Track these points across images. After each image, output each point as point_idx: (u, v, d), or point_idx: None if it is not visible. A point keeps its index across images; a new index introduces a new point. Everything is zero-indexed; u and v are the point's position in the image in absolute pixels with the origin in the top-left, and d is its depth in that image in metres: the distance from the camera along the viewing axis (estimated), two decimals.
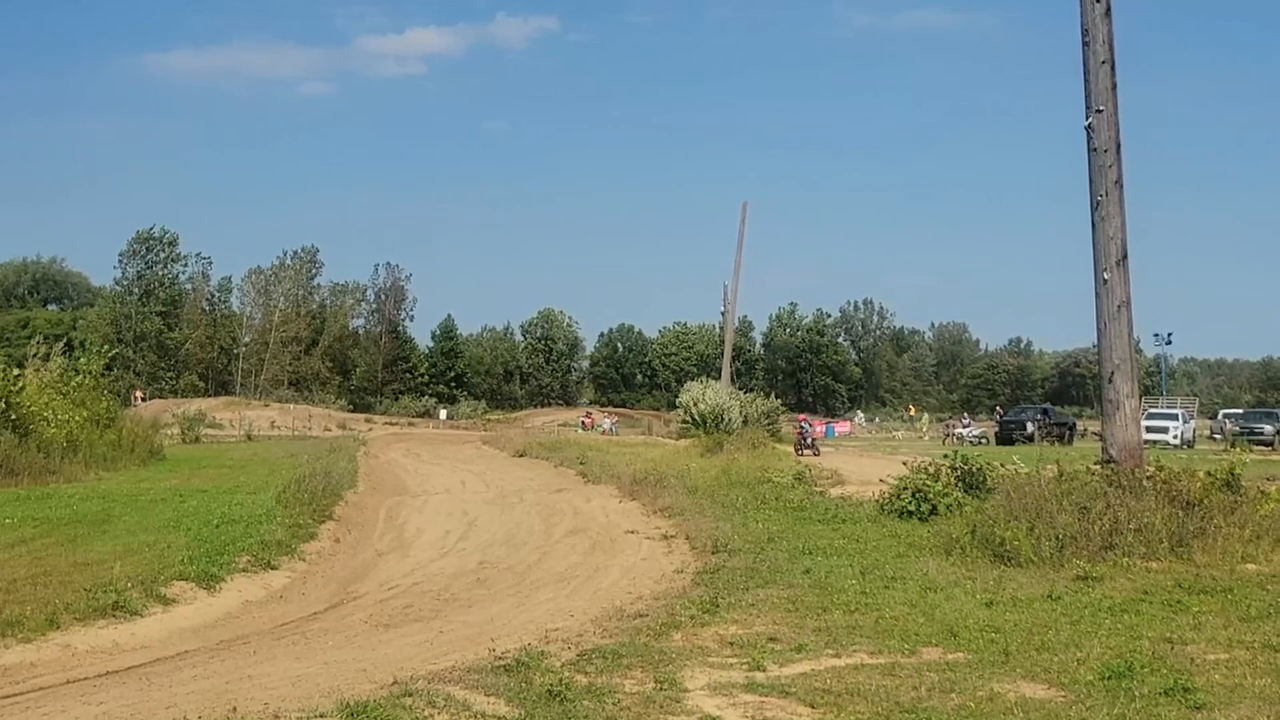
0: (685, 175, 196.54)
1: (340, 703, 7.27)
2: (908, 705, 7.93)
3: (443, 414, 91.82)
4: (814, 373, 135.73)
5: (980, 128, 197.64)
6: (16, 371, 32.08)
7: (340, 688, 8.21)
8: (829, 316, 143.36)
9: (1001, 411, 74.56)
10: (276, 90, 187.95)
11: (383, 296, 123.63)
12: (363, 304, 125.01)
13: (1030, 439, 49.97)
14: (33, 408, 29.62)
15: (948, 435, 62.31)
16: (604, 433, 68.13)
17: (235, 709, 7.32)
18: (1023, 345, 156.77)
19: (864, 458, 37.51)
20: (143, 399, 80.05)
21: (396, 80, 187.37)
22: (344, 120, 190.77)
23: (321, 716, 6.93)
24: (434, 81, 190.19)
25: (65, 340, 45.99)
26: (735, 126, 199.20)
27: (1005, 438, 55.71)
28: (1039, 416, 59.74)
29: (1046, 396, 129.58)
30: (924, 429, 78.57)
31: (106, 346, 47.05)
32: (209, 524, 17.88)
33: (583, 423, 78.76)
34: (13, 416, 27.94)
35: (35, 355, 36.92)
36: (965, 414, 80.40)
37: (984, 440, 58.34)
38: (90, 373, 36.79)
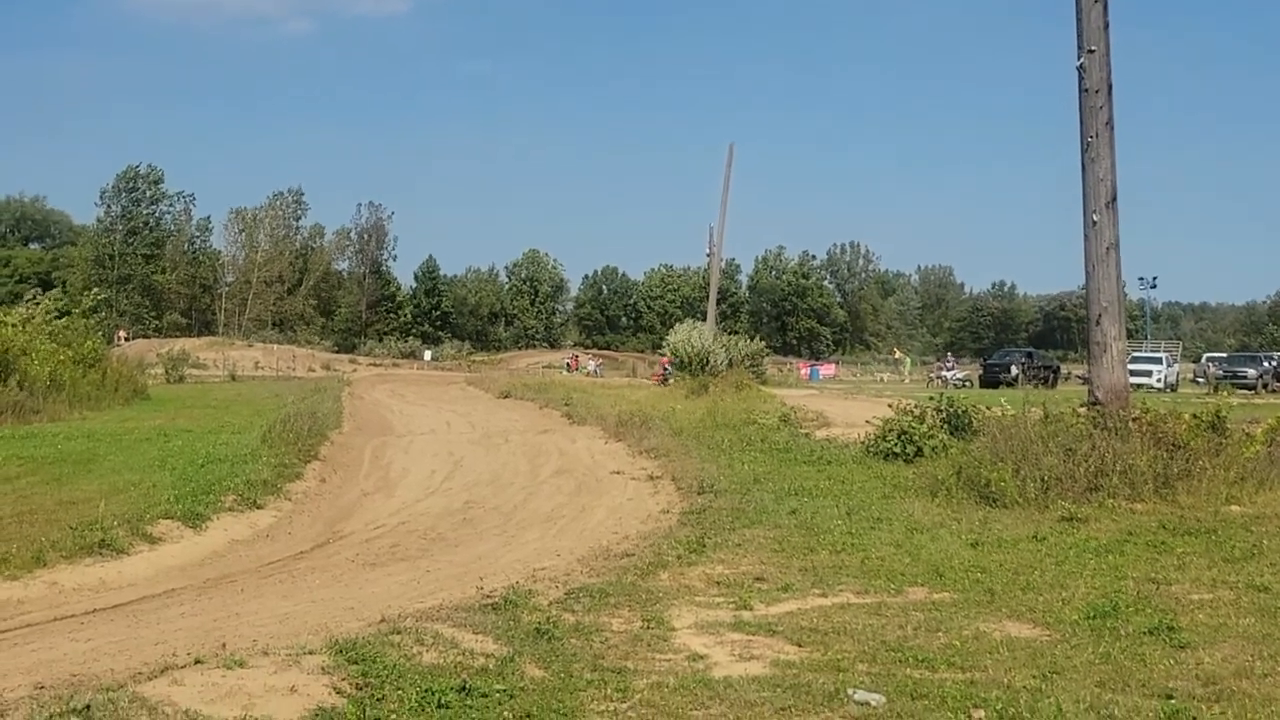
0: (672, 117, 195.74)
1: (329, 640, 7.26)
2: (894, 644, 7.96)
3: (427, 355, 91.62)
4: (799, 315, 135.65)
5: (969, 68, 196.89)
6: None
7: (328, 625, 8.22)
8: (814, 259, 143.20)
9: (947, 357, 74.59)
10: (257, 29, 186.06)
11: (365, 236, 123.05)
12: (347, 245, 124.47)
13: (1014, 382, 50.00)
14: (14, 347, 29.43)
15: (933, 378, 62.39)
16: (589, 374, 68.10)
17: (224, 645, 7.32)
18: (1007, 288, 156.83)
19: (849, 400, 37.50)
20: (127, 339, 79.77)
21: (378, 18, 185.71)
22: (326, 59, 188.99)
23: (310, 653, 6.92)
24: (416, 20, 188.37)
25: (45, 282, 45.63)
26: (723, 67, 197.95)
27: (990, 381, 55.72)
28: (1023, 360, 59.74)
29: (1031, 340, 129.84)
30: (908, 372, 78.66)
31: (94, 290, 46.80)
32: (194, 463, 17.86)
33: (568, 364, 78.68)
34: None
35: (28, 300, 36.70)
36: (950, 357, 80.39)
37: (968, 383, 58.41)
38: (77, 314, 36.68)
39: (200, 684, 6.26)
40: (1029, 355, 63.83)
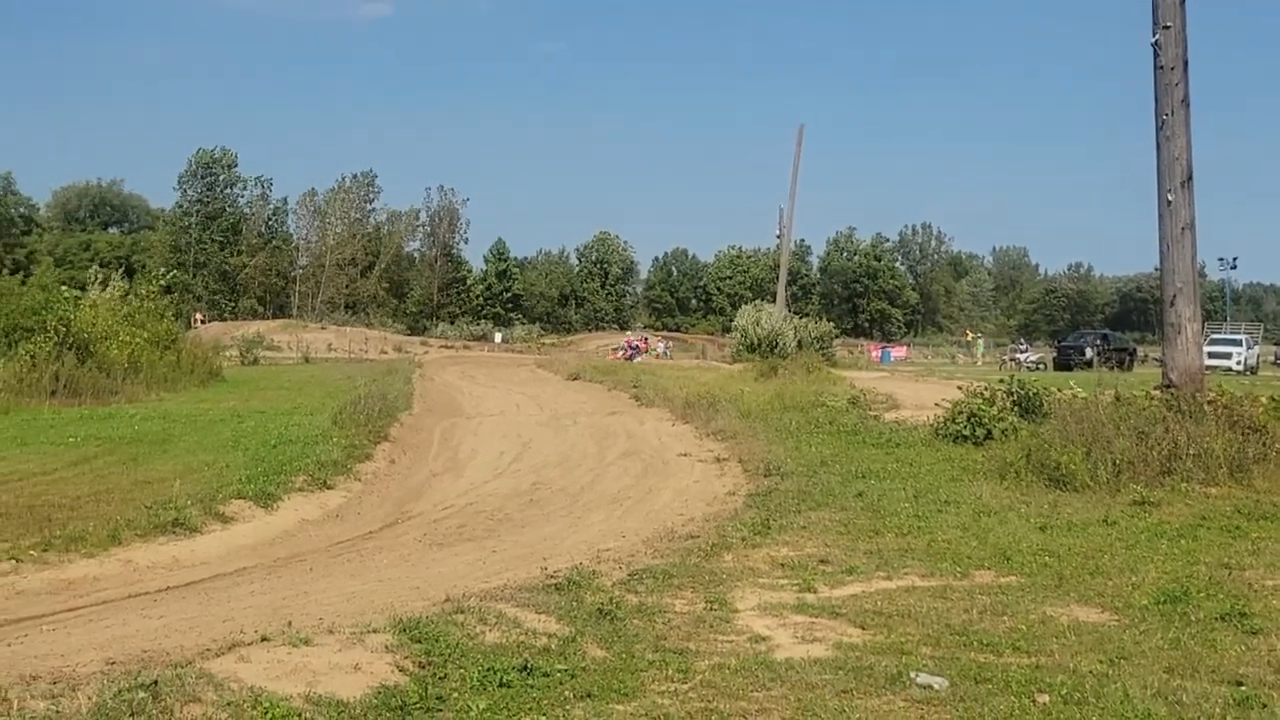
0: (743, 98, 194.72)
1: (393, 619, 7.33)
2: (958, 627, 7.91)
3: (498, 337, 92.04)
4: (871, 298, 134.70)
5: (1044, 45, 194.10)
6: (77, 294, 32.55)
7: (394, 604, 8.28)
8: (886, 241, 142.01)
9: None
10: (337, 11, 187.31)
11: (436, 219, 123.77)
12: (418, 228, 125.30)
13: (1089, 365, 49.35)
14: (94, 330, 29.99)
15: (1006, 360, 61.80)
16: (658, 356, 68.10)
17: (290, 623, 7.40)
18: (1084, 270, 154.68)
19: (919, 382, 37.26)
20: (203, 322, 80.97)
21: (455, 1, 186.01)
22: (401, 41, 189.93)
23: (374, 631, 6.99)
24: (492, 2, 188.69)
25: (126, 266, 46.45)
26: (794, 46, 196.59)
27: (1064, 363, 55.04)
28: (1098, 342, 58.89)
29: (1107, 322, 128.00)
30: (980, 354, 77.90)
31: (165, 270, 47.47)
32: (267, 444, 18.10)
33: (627, 348, 78.52)
34: (73, 339, 28.27)
35: (95, 282, 37.37)
36: (1023, 339, 79.50)
37: (1042, 366, 57.78)
38: (149, 295, 37.27)
39: (266, 661, 6.35)
40: (1104, 337, 62.89)
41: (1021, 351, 65.68)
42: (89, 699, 5.45)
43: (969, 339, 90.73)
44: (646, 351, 73.41)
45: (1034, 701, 6.38)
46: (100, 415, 23.24)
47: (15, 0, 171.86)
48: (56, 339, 27.74)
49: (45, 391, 26.08)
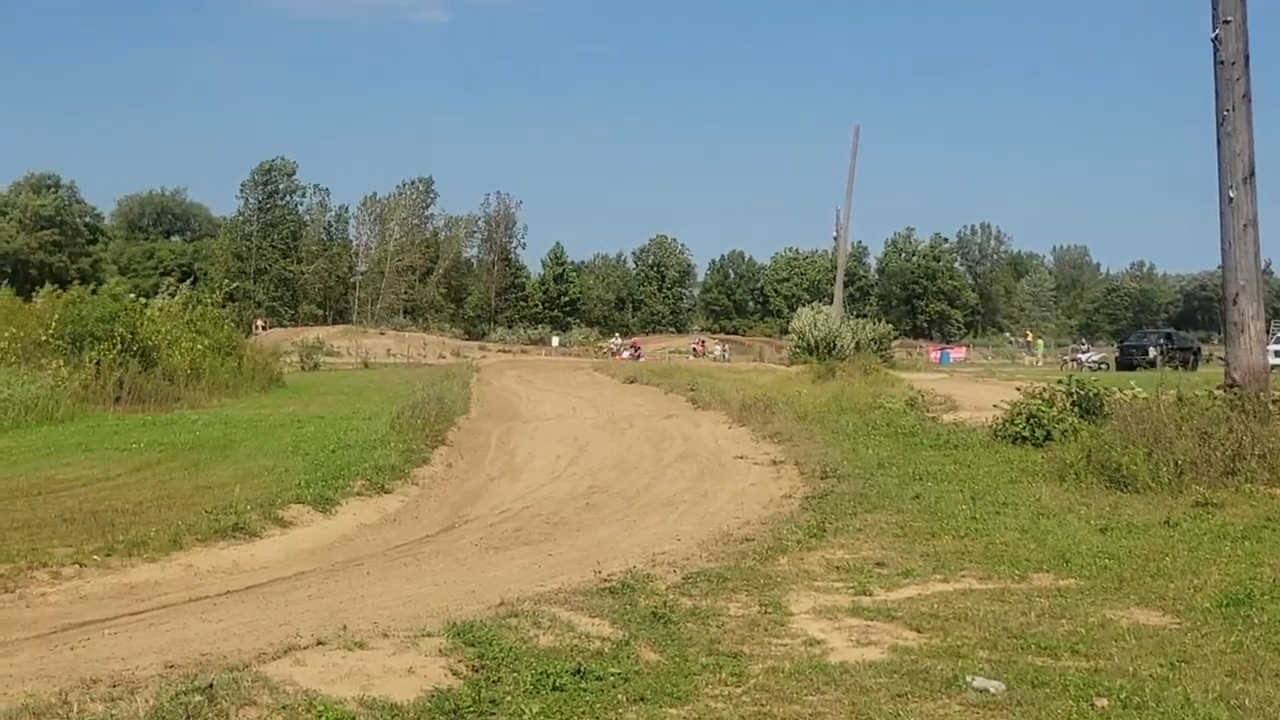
0: (798, 99, 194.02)
1: (447, 622, 7.35)
2: (1016, 631, 7.83)
3: (555, 341, 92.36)
4: (930, 298, 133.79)
5: (1102, 41, 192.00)
6: (143, 301, 33.05)
7: (449, 608, 8.32)
8: (945, 241, 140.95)
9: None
10: (392, 18, 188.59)
11: (494, 224, 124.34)
12: (475, 233, 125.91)
13: (1152, 364, 48.68)
14: (157, 337, 30.39)
15: (1067, 361, 61.17)
16: (715, 359, 68.05)
17: (346, 626, 7.45)
18: (1146, 268, 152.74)
19: (979, 383, 36.92)
20: (264, 328, 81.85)
21: (509, 5, 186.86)
22: (457, 48, 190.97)
23: (429, 635, 7.02)
24: (546, 4, 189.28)
25: (191, 276, 47.12)
26: (849, 47, 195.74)
27: (1126, 363, 54.34)
28: (1161, 341, 58.09)
29: (1171, 321, 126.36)
30: (1041, 355, 77.15)
31: (227, 281, 48.04)
32: (325, 449, 18.26)
33: (694, 349, 78.69)
34: (137, 346, 28.66)
35: (165, 291, 37.93)
36: (1085, 339, 78.69)
37: (1104, 366, 57.09)
38: (212, 303, 37.77)
39: (321, 664, 6.39)
40: (1168, 337, 62.01)
41: (1083, 351, 64.99)
42: (146, 702, 5.50)
43: (1029, 339, 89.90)
44: (703, 354, 73.40)
45: (1092, 705, 6.30)
46: (162, 421, 23.54)
47: (79, 12, 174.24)
48: (121, 346, 28.12)
49: (109, 398, 26.46)
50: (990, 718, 6.17)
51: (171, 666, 6.65)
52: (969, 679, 6.72)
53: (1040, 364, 67.56)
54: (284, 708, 5.65)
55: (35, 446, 19.21)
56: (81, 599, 9.73)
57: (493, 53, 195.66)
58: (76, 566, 10.41)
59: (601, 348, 79.47)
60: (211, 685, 5.63)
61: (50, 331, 28.43)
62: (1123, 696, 6.41)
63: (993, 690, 6.57)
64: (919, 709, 6.27)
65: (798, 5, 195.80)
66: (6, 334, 27.57)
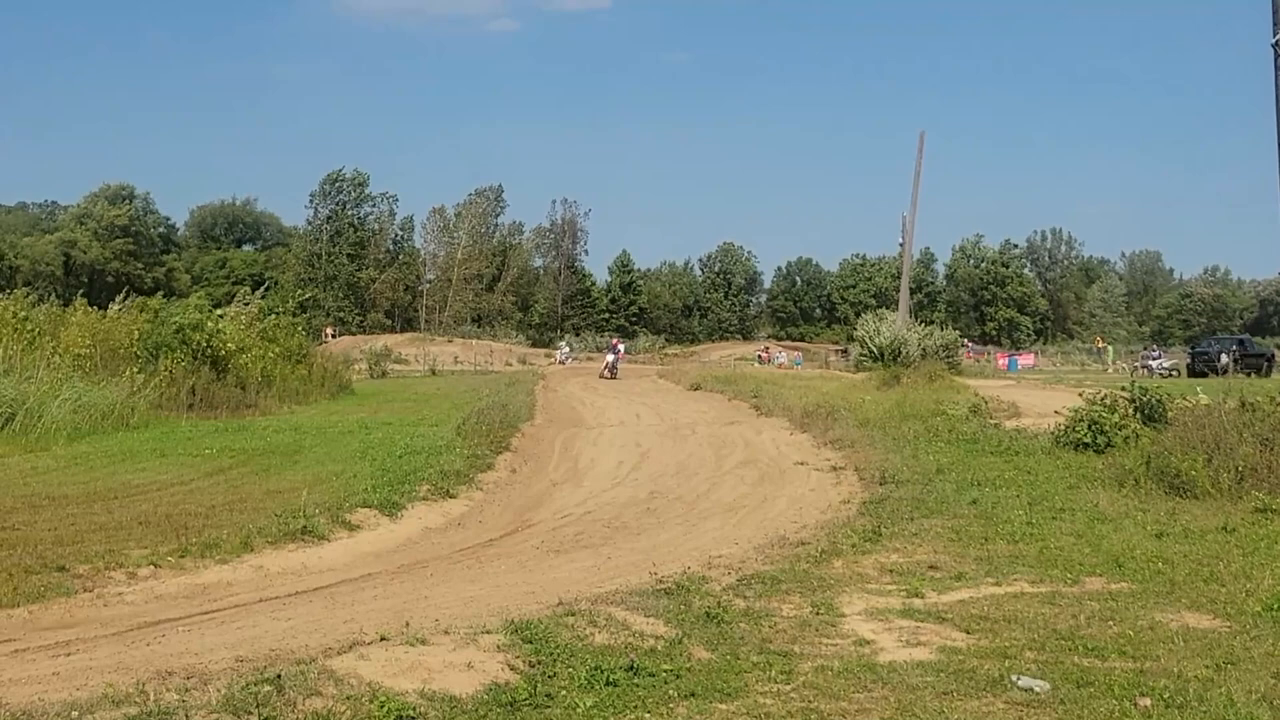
0: (865, 104, 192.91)
1: (506, 621, 7.60)
2: (1065, 633, 7.94)
3: (564, 347, 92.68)
4: (999, 305, 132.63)
5: (1175, 43, 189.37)
6: (219, 311, 33.72)
7: (508, 608, 8.55)
8: (1015, 247, 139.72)
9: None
10: (463, 28, 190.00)
11: (560, 232, 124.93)
12: (544, 242, 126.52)
13: (1224, 371, 48.15)
14: (230, 345, 30.99)
15: (1137, 367, 60.55)
16: (780, 366, 68.04)
17: (408, 623, 7.71)
18: (1220, 274, 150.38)
19: (1045, 390, 36.78)
20: (333, 336, 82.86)
21: (581, 13, 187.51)
22: (528, 57, 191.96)
23: (487, 632, 7.27)
24: (618, 14, 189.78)
25: (264, 284, 47.89)
26: (917, 52, 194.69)
27: (1197, 370, 53.77)
28: (1234, 348, 57.34)
29: (1246, 328, 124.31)
30: (1111, 361, 76.37)
31: (299, 290, 48.74)
32: (393, 454, 18.60)
33: (760, 356, 78.72)
34: (211, 354, 29.26)
35: (239, 300, 38.61)
36: (1155, 346, 77.77)
37: (1175, 373, 56.49)
38: (284, 312, 38.42)
39: (384, 659, 6.66)
40: (1240, 343, 61.27)
41: (1154, 358, 64.23)
42: (218, 692, 5.79)
43: (1099, 346, 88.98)
44: (768, 361, 73.32)
45: (1135, 705, 6.42)
46: (234, 427, 24.04)
47: (151, 27, 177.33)
48: (194, 354, 28.71)
49: (183, 405, 27.02)
50: (1033, 716, 6.31)
51: (242, 660, 6.93)
52: (1014, 678, 6.87)
53: (1110, 371, 66.87)
54: (348, 698, 5.92)
55: (112, 452, 19.72)
56: (156, 599, 10.06)
57: (562, 61, 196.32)
58: (152, 567, 10.74)
59: (549, 356, 76.93)
60: (280, 677, 5.92)
61: (135, 341, 29.06)
62: (1166, 696, 6.53)
63: (1037, 689, 6.70)
64: (963, 707, 6.42)
65: (865, 11, 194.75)
66: (84, 341, 28.17)
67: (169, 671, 6.50)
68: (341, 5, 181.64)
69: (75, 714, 5.40)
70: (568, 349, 73.82)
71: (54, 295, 41.24)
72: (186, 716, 5.45)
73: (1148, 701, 6.46)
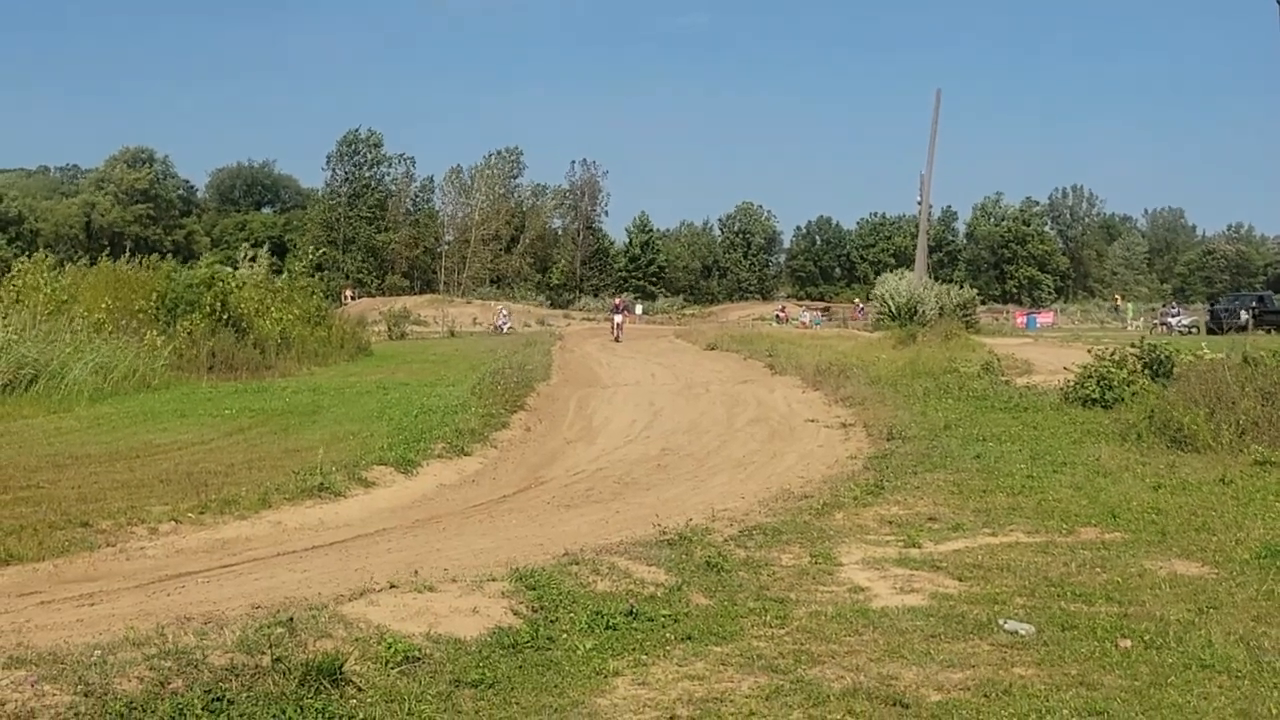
0: (883, 62, 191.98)
1: (512, 570, 7.86)
2: (1055, 580, 8.18)
3: (638, 309, 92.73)
4: (1019, 263, 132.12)
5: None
6: (229, 270, 33.98)
7: (516, 558, 8.82)
8: (1036, 205, 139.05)
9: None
10: None
11: (579, 193, 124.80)
12: (563, 203, 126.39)
13: (1244, 328, 48.07)
14: (247, 306, 31.28)
15: (1156, 325, 60.44)
16: (802, 325, 68.12)
17: (417, 573, 7.98)
18: (1244, 230, 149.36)
19: (1063, 348, 36.80)
20: (353, 298, 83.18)
21: None
22: (549, 19, 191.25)
23: (493, 580, 7.54)
24: None
25: (279, 244, 48.07)
26: (934, 8, 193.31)
27: (1216, 327, 53.67)
28: (1254, 304, 57.13)
29: (1268, 284, 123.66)
30: (1130, 319, 76.20)
31: (314, 248, 48.93)
32: (409, 414, 18.89)
33: (777, 316, 78.81)
34: (228, 316, 29.54)
35: (245, 258, 38.83)
36: (1174, 303, 77.54)
37: (1194, 330, 56.38)
38: (300, 272, 38.67)
39: (393, 605, 6.94)
40: (1260, 299, 60.97)
41: (1172, 315, 64.11)
42: (233, 634, 6.07)
43: (1119, 303, 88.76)
44: (787, 321, 73.35)
45: (1115, 646, 6.66)
46: (254, 389, 24.36)
47: None
48: (213, 316, 29.00)
49: (203, 367, 27.36)
50: (1016, 656, 6.55)
51: (257, 608, 7.20)
52: (1001, 622, 7.11)
53: (1129, 328, 66.76)
54: (357, 640, 6.21)
55: (133, 413, 20.06)
56: (177, 553, 10.35)
57: (582, 24, 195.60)
58: (173, 523, 11.03)
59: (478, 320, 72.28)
60: (292, 620, 6.21)
61: (150, 303, 29.31)
62: (1146, 638, 6.76)
63: (1022, 633, 6.95)
64: (949, 649, 6.67)
65: None
66: (104, 304, 28.48)
67: (187, 617, 6.79)
68: None
69: (98, 654, 5.68)
70: (506, 313, 70.44)
71: (76, 258, 41.49)
72: (203, 656, 5.73)
73: (1128, 643, 6.70)
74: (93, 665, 5.53)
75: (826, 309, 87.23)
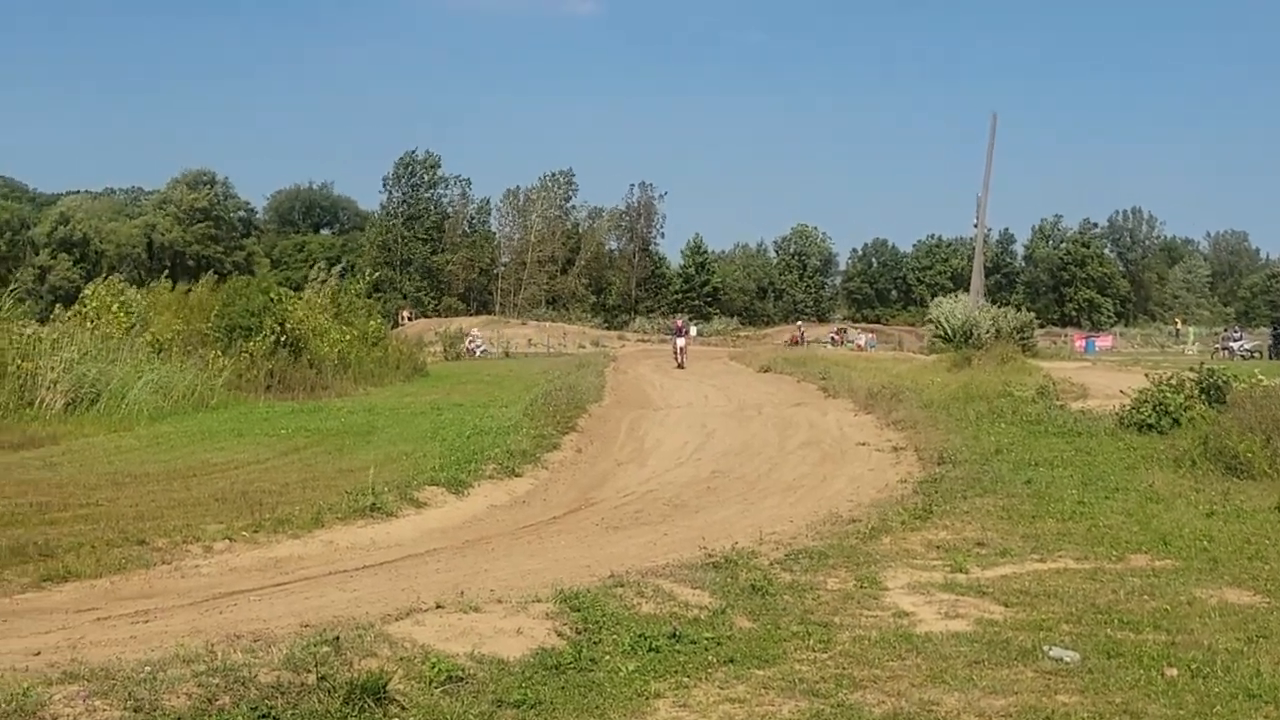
0: (939, 85, 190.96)
1: (558, 591, 7.92)
2: (1103, 607, 8.13)
3: (693, 331, 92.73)
4: (1078, 286, 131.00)
5: (1258, 15, 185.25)
6: (293, 294, 34.42)
7: (562, 580, 8.86)
8: (1094, 226, 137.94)
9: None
10: (542, 8, 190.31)
11: (635, 215, 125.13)
12: (619, 225, 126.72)
13: None
14: (305, 327, 31.63)
15: (1218, 349, 59.68)
16: (858, 349, 67.83)
17: (463, 593, 8.06)
18: None
19: (1121, 372, 36.43)
20: (410, 319, 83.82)
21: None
22: (607, 36, 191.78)
23: (538, 601, 7.60)
24: None
25: (340, 264, 48.61)
26: (990, 31, 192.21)
27: (1279, 351, 52.91)
28: None
29: None
30: (1191, 343, 75.30)
31: (370, 270, 49.42)
32: (462, 435, 19.04)
33: (832, 339, 78.51)
34: (287, 337, 29.87)
35: (316, 280, 39.32)
36: (1236, 327, 76.51)
37: (1257, 354, 55.60)
38: (357, 293, 39.10)
39: (438, 625, 7.02)
40: None
41: (1234, 340, 63.24)
42: (281, 653, 6.16)
43: (1179, 327, 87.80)
44: (842, 344, 73.10)
45: (1162, 674, 6.61)
46: (310, 409, 24.63)
47: (230, 15, 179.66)
48: (273, 337, 29.35)
49: (260, 387, 27.71)
50: (1060, 684, 6.52)
51: (306, 626, 7.31)
52: (1046, 649, 7.08)
53: (1190, 352, 65.97)
54: (401, 659, 6.30)
55: (192, 432, 20.36)
56: (231, 571, 10.52)
57: (639, 42, 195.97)
58: (227, 541, 11.22)
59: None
60: (338, 639, 6.30)
61: (209, 325, 29.75)
62: (1194, 667, 6.71)
63: (1067, 660, 6.91)
64: (992, 675, 6.66)
65: None
66: (162, 323, 28.97)
67: (237, 635, 6.89)
68: None
69: (149, 670, 5.79)
70: (478, 334, 68.20)
71: (138, 278, 42.24)
72: (251, 673, 5.83)
73: (1175, 671, 6.65)
74: (143, 681, 5.64)
75: (841, 330, 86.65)
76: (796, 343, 70.84)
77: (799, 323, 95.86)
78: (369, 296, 41.37)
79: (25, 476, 14.85)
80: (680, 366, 40.23)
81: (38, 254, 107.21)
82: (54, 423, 20.95)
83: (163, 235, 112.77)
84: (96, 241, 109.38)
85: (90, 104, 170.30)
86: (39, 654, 6.84)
